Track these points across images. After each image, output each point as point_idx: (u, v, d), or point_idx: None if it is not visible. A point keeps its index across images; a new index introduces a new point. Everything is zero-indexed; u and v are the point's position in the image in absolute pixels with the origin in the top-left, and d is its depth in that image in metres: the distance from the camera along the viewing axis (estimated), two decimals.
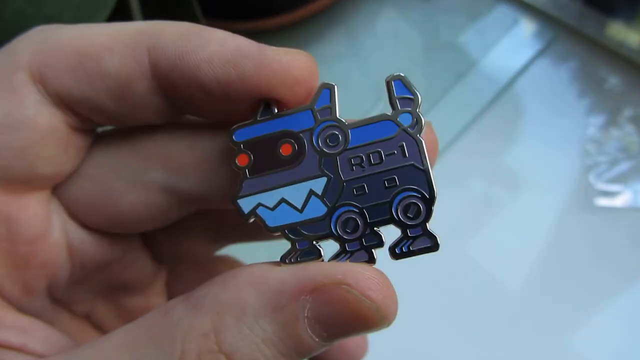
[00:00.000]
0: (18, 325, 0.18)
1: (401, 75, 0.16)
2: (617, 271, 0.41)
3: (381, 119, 0.16)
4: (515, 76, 0.49)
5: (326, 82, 0.16)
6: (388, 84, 0.16)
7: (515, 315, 0.40)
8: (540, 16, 0.51)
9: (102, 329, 0.23)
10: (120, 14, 0.32)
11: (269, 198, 0.16)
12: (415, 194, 0.16)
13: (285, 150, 0.16)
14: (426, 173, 0.16)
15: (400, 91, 0.16)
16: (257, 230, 0.22)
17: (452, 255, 0.42)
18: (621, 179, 0.43)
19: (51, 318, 0.21)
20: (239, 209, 0.16)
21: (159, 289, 0.24)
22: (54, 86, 0.17)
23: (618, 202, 0.43)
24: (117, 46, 0.16)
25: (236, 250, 0.25)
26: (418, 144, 0.16)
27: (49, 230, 0.19)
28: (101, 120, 0.18)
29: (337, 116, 0.16)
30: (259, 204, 0.16)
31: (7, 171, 0.17)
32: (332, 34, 0.52)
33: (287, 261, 0.16)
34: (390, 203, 0.16)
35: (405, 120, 0.16)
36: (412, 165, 0.16)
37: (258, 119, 0.16)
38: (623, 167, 0.44)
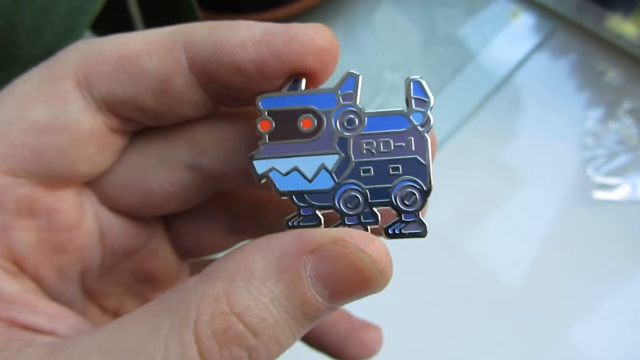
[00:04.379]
0: (49, 311, 0.19)
1: (420, 79, 0.18)
2: (616, 265, 0.41)
3: (396, 113, 0.18)
4: (513, 69, 0.49)
5: (352, 71, 0.18)
6: (407, 83, 0.18)
7: (514, 309, 0.41)
8: (539, 9, 0.51)
9: None
10: (115, 5, 0.31)
11: (283, 164, 0.18)
12: (414, 184, 0.17)
13: (306, 124, 0.18)
14: (427, 167, 0.17)
15: (417, 92, 0.18)
16: (273, 226, 0.24)
17: (450, 249, 0.42)
18: (620, 172, 0.44)
19: (82, 311, 0.22)
20: (253, 168, 0.18)
21: None
22: (99, 91, 0.18)
23: (617, 195, 0.43)
24: (155, 48, 0.18)
25: None
26: (424, 141, 0.17)
27: (84, 218, 0.20)
28: (142, 119, 0.20)
29: (358, 103, 0.18)
30: (273, 168, 0.18)
31: (49, 170, 0.19)
32: (330, 27, 0.52)
33: (290, 224, 0.18)
34: (391, 188, 0.17)
35: (417, 118, 0.18)
36: (416, 158, 0.17)
37: (286, 91, 0.18)
38: (622, 160, 0.44)
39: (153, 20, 0.32)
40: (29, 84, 0.19)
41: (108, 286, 0.23)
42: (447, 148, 0.46)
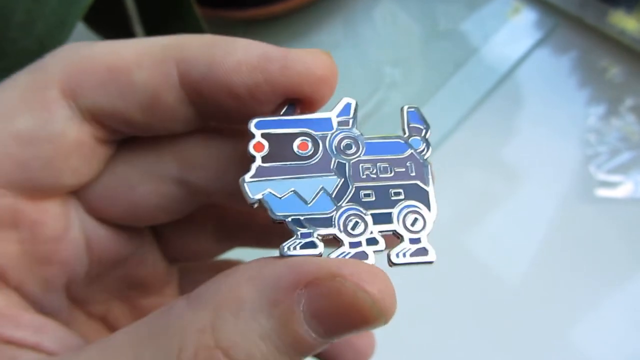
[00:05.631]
0: (34, 324, 0.19)
1: (416, 107, 0.18)
2: (618, 263, 0.40)
3: (396, 138, 0.18)
4: (515, 65, 0.48)
5: (348, 98, 0.18)
6: (403, 113, 0.18)
7: (514, 307, 0.40)
8: (541, 5, 0.51)
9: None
10: (112, 4, 0.31)
11: (280, 187, 0.17)
12: (416, 208, 0.17)
13: (302, 147, 0.17)
14: (429, 193, 0.17)
15: (414, 120, 0.18)
16: (264, 234, 0.24)
17: (450, 247, 0.41)
18: (622, 169, 0.43)
19: (68, 318, 0.21)
20: (245, 191, 0.17)
21: (172, 290, 0.25)
22: (85, 101, 0.18)
23: (619, 192, 0.42)
24: (146, 61, 0.17)
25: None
26: (424, 167, 0.17)
27: (69, 228, 0.20)
28: (130, 132, 0.19)
29: (355, 129, 0.17)
30: (268, 191, 0.17)
31: (33, 181, 0.18)
32: (329, 22, 0.52)
33: (286, 249, 0.16)
34: (394, 212, 0.17)
35: (415, 144, 0.18)
36: (417, 184, 0.17)
37: (280, 114, 0.17)
38: (624, 157, 0.44)
39: (148, 12, 0.32)
40: (13, 91, 0.18)
41: (95, 293, 0.22)
42: (448, 145, 0.45)
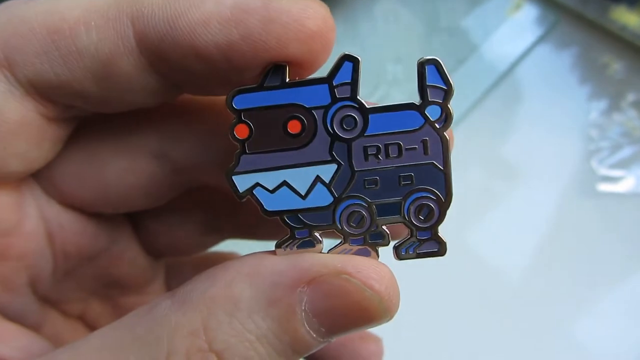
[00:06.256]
0: None
1: (437, 60, 0.14)
2: (619, 258, 0.40)
3: (407, 108, 0.14)
4: (516, 61, 0.48)
5: (349, 53, 0.14)
6: (420, 67, 0.14)
7: (516, 303, 0.40)
8: (542, 1, 0.50)
9: None
10: None
11: (269, 179, 0.14)
12: (430, 195, 0.15)
13: (293, 127, 0.14)
14: (446, 175, 0.14)
15: (433, 78, 0.14)
16: (253, 226, 0.21)
17: (452, 244, 0.41)
18: (624, 164, 0.43)
19: (38, 319, 0.19)
20: (232, 186, 0.15)
21: (158, 287, 0.23)
22: (24, 71, 0.15)
23: (621, 187, 0.42)
24: (94, 19, 0.14)
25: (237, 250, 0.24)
26: (443, 142, 0.14)
27: (24, 218, 0.17)
28: (84, 106, 0.16)
29: (358, 96, 0.14)
30: (257, 184, 0.15)
31: None
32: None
33: (283, 249, 0.15)
34: (403, 202, 0.15)
35: (433, 113, 0.14)
36: (433, 164, 0.14)
37: (265, 85, 0.14)
38: (626, 152, 0.43)
39: None
40: None
41: (68, 291, 0.20)
42: None
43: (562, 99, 0.46)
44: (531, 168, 0.44)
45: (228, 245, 0.23)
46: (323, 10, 0.14)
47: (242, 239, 0.22)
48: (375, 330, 0.25)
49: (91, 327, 0.22)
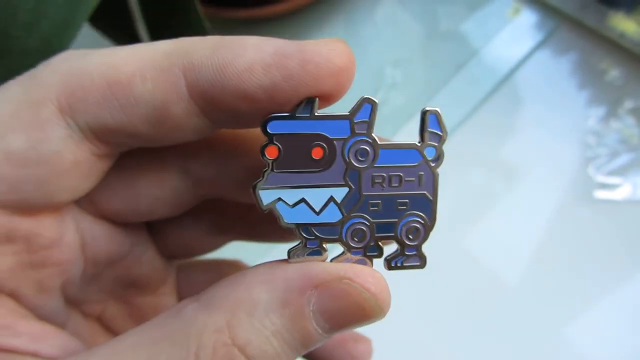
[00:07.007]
0: (31, 331, 0.19)
1: (437, 111, 0.18)
2: (615, 264, 0.41)
3: (410, 147, 0.18)
4: (515, 67, 0.48)
5: (369, 97, 0.17)
6: (423, 115, 0.18)
7: (512, 307, 0.40)
8: (541, 7, 0.51)
9: (113, 331, 0.24)
10: (115, 3, 0.31)
11: (290, 195, 0.17)
12: (419, 219, 0.18)
13: (316, 153, 0.17)
14: (433, 204, 0.18)
15: (433, 125, 0.18)
16: (261, 227, 0.24)
17: (449, 248, 0.42)
18: (621, 171, 0.43)
19: (64, 320, 0.21)
20: (258, 199, 0.17)
21: (169, 289, 0.25)
22: (85, 118, 0.17)
23: (617, 195, 0.43)
24: (149, 71, 0.16)
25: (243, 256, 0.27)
26: (434, 178, 0.18)
27: (64, 233, 0.19)
28: (134, 144, 0.18)
29: (372, 134, 0.17)
30: (279, 199, 0.17)
31: (27, 201, 0.17)
32: (331, 22, 0.52)
33: (295, 256, 0.17)
34: (398, 223, 0.18)
35: (429, 153, 0.18)
36: (424, 194, 0.18)
37: (297, 115, 0.17)
38: (623, 159, 0.44)
39: (151, 11, 0.32)
40: (6, 106, 0.17)
41: (91, 293, 0.22)
42: (448, 145, 0.45)
43: (560, 105, 0.47)
44: (529, 173, 0.45)
45: (232, 247, 0.26)
46: (346, 48, 0.17)
47: (248, 241, 0.25)
48: (375, 330, 0.25)
49: (107, 326, 0.24)
